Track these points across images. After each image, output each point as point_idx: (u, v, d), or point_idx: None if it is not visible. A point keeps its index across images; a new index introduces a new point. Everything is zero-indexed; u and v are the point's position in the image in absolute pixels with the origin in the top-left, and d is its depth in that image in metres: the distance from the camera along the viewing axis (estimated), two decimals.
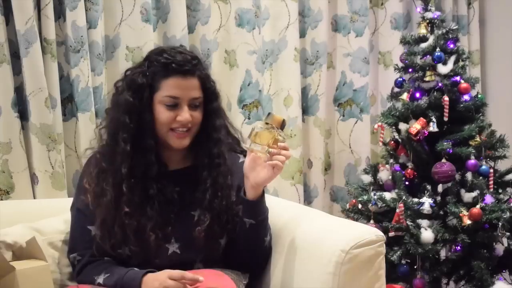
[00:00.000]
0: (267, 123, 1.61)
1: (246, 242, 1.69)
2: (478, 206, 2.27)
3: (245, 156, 1.74)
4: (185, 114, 1.65)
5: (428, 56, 2.46)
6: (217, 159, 1.71)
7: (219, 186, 1.70)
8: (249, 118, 2.66)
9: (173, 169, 1.74)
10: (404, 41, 2.58)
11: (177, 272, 1.54)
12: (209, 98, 1.72)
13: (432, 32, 2.51)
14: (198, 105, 1.70)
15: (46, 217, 1.92)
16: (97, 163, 1.71)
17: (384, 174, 2.50)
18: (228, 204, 1.70)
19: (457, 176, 2.40)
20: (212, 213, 1.68)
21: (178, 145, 1.69)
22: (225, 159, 1.73)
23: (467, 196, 2.35)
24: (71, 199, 2.17)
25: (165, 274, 1.54)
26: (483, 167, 2.37)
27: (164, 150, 1.73)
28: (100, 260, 1.68)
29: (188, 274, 1.54)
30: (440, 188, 2.49)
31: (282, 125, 1.62)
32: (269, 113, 1.67)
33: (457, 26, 2.59)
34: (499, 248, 2.40)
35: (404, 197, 2.34)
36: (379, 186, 2.52)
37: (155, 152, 1.68)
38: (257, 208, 1.66)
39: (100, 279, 1.63)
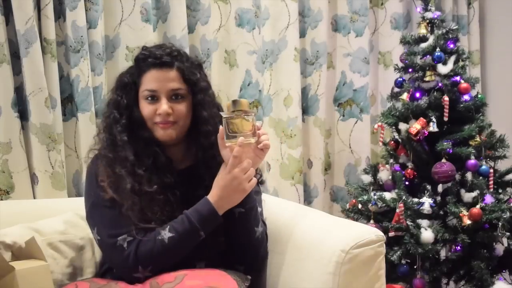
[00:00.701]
0: (236, 111, 1.58)
1: (237, 232, 1.69)
2: (478, 206, 2.27)
3: None
4: (162, 106, 1.66)
5: (428, 56, 2.46)
6: (210, 150, 1.69)
7: None
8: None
9: (177, 169, 1.75)
10: (404, 41, 2.58)
11: (231, 163, 1.59)
12: (192, 90, 1.71)
13: (432, 32, 2.51)
14: (181, 98, 1.69)
15: (46, 217, 1.92)
16: (102, 158, 1.69)
17: (384, 174, 2.50)
18: None
19: (457, 176, 2.40)
20: None
21: (164, 136, 1.69)
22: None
23: (467, 196, 2.34)
24: (71, 199, 2.19)
25: (221, 174, 1.61)
26: (483, 167, 2.37)
27: (165, 149, 1.73)
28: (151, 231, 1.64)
29: (235, 153, 1.59)
30: (440, 188, 2.49)
31: (249, 107, 1.62)
32: (234, 100, 1.61)
33: (457, 26, 2.58)
34: (499, 248, 2.40)
35: (404, 197, 2.34)
36: (379, 186, 2.52)
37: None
38: (246, 196, 1.66)
39: (165, 235, 1.59)
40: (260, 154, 1.64)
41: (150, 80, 1.68)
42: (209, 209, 1.61)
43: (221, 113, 1.65)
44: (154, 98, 1.68)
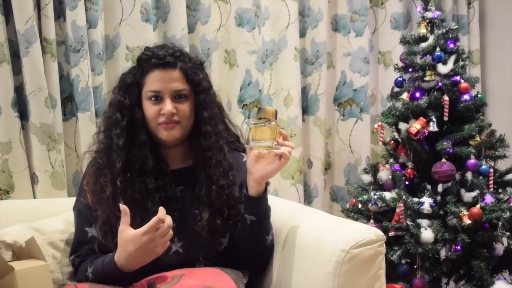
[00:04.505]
0: (261, 118, 1.60)
1: (247, 240, 1.70)
2: (478, 206, 2.27)
3: None
4: (166, 107, 1.66)
5: (428, 55, 2.46)
6: (208, 152, 1.70)
7: (214, 180, 1.70)
8: (249, 118, 2.66)
9: (175, 168, 1.75)
10: (404, 41, 2.58)
11: (152, 225, 1.53)
12: (195, 90, 1.72)
13: (432, 31, 2.51)
14: (185, 98, 1.70)
15: (46, 216, 1.93)
16: (95, 162, 1.74)
17: (384, 174, 2.50)
18: (230, 200, 1.71)
19: (457, 176, 2.40)
20: (212, 208, 1.68)
21: (168, 137, 1.69)
22: (220, 152, 1.72)
23: (467, 196, 2.34)
24: (71, 199, 2.18)
25: (132, 235, 1.54)
26: (483, 166, 2.37)
27: (165, 149, 1.74)
28: (91, 256, 1.70)
29: (160, 216, 1.53)
30: (440, 188, 2.49)
31: (275, 116, 1.62)
32: (259, 108, 1.64)
33: (457, 26, 2.58)
34: (499, 248, 2.40)
35: (404, 197, 2.34)
36: (379, 186, 2.52)
37: (156, 151, 1.71)
38: (259, 205, 1.66)
39: (88, 273, 1.66)
40: (275, 163, 1.61)
41: (154, 81, 1.68)
42: (112, 271, 1.60)
43: (249, 119, 1.67)
44: (157, 98, 1.68)
